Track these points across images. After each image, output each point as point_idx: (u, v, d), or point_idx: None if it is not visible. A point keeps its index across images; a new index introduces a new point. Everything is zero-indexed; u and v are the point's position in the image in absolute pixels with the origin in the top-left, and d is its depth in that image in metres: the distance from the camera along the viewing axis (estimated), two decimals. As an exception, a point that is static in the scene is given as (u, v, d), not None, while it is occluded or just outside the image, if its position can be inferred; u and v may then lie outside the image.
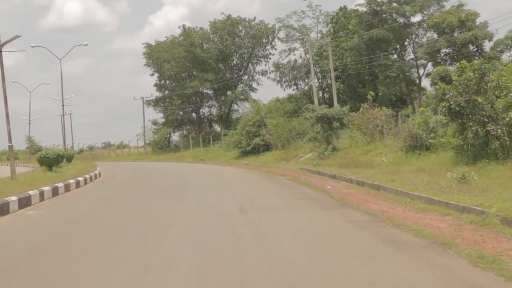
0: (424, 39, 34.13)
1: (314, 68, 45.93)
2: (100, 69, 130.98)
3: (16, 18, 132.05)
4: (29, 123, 56.61)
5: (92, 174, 19.63)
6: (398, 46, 35.28)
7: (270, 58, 51.69)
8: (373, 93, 26.81)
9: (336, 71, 38.24)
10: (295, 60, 46.61)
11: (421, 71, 34.94)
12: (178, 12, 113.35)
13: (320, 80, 44.20)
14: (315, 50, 39.84)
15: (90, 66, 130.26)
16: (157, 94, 52.59)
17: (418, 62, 34.62)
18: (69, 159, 29.27)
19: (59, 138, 72.68)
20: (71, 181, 15.54)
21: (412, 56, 35.63)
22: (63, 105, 36.17)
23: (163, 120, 52.23)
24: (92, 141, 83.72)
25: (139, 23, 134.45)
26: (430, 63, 33.09)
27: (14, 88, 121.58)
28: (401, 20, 33.76)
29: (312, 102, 42.39)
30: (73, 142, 68.11)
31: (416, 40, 35.07)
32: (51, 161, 20.62)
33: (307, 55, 45.04)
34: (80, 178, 16.62)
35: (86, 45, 37.95)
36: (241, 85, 52.70)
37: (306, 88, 45.80)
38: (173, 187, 15.74)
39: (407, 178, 12.00)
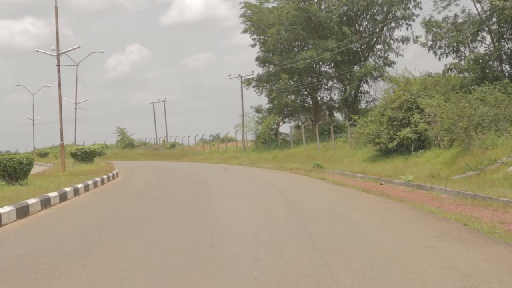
0: None
1: (487, 25, 30.88)
2: (220, 63, 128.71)
3: (139, 15, 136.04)
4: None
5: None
6: None
7: (413, 20, 36.94)
8: None
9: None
10: (455, 16, 31.70)
11: None
12: None
13: (497, 42, 29.01)
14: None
15: (211, 61, 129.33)
16: (260, 71, 40.58)
17: None
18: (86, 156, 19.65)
19: (152, 131, 66.88)
20: None
21: None
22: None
23: (268, 106, 40.51)
24: (206, 132, 78.68)
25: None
26: None
27: (137, 83, 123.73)
28: None
29: (485, 76, 28.10)
30: (167, 134, 61.89)
31: None
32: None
33: (477, 4, 30.18)
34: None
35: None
36: (373, 57, 38.65)
37: (472, 56, 30.80)
38: None
39: None
